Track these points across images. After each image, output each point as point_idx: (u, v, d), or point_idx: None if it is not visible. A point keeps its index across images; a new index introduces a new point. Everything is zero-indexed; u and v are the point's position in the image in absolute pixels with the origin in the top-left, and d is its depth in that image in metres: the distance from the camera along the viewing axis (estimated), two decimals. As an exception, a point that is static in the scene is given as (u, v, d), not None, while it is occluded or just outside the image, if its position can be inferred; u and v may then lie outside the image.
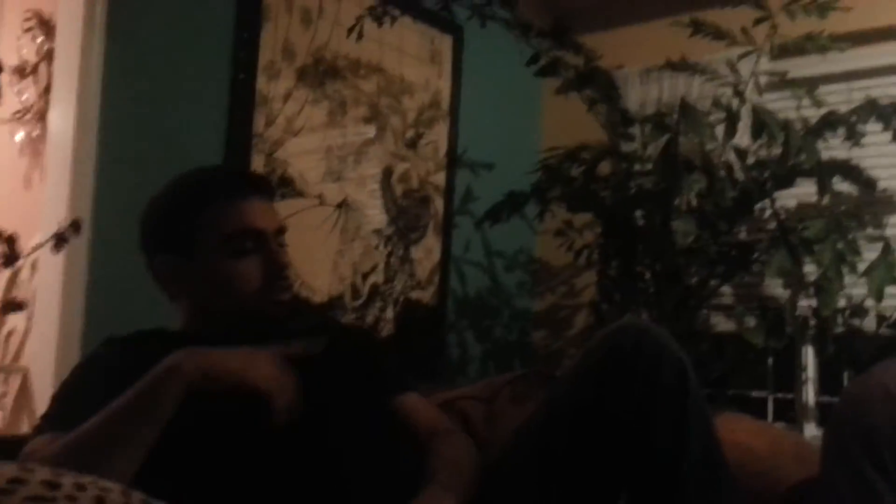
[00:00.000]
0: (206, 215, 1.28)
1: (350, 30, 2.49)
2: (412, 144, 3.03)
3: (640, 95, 3.17)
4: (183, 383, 1.09)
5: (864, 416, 1.20)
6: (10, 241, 1.74)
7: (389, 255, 2.93)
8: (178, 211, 1.31)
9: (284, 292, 1.30)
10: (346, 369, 1.34)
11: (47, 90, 2.76)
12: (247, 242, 1.28)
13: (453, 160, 3.17)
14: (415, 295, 3.01)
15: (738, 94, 2.53)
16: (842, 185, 2.49)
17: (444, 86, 3.16)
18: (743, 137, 2.50)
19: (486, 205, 2.76)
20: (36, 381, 2.19)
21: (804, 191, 2.54)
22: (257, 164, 2.48)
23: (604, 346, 1.21)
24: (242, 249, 1.27)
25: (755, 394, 2.93)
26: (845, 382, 2.45)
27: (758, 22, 2.44)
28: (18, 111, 2.97)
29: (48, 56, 2.83)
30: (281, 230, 1.33)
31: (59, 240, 1.85)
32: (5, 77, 2.99)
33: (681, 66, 2.71)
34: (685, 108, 2.44)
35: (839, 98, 2.78)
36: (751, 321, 2.55)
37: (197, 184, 1.36)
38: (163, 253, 1.30)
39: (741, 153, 2.46)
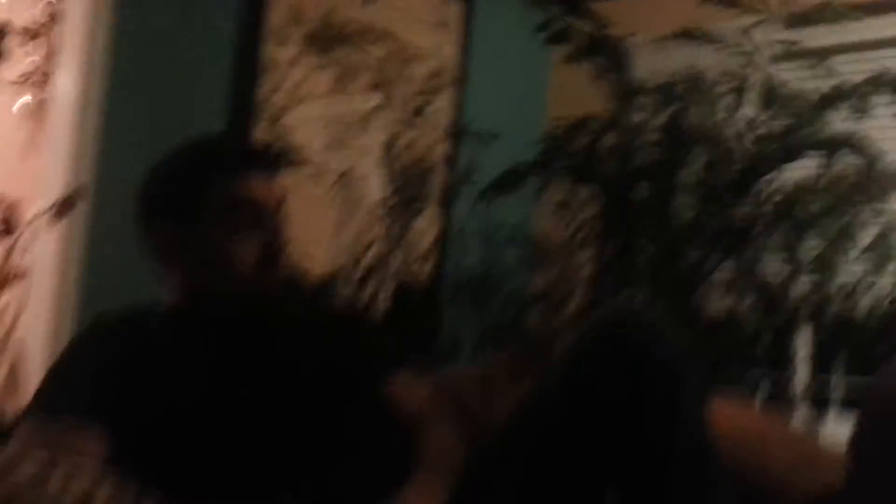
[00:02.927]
0: (210, 184, 1.27)
1: (360, -7, 2.46)
2: (418, 112, 3.00)
3: (650, 65, 3.11)
4: None
5: None
6: (10, 209, 1.74)
7: (390, 226, 2.91)
8: (182, 178, 1.30)
9: (279, 271, 1.30)
10: (337, 348, 1.34)
11: (54, 54, 2.75)
12: (247, 217, 1.27)
13: (459, 129, 3.14)
14: (413, 268, 3.00)
15: (750, 63, 2.49)
16: (848, 159, 2.45)
17: (452, 53, 3.12)
18: (752, 109, 2.46)
19: (490, 177, 2.74)
20: (30, 356, 2.20)
21: (809, 165, 2.51)
22: (260, 131, 2.47)
23: (594, 332, 1.21)
24: (242, 224, 1.26)
25: (749, 372, 2.91)
26: (840, 362, 2.43)
27: (772, -11, 2.39)
28: (25, 74, 2.96)
29: (55, 18, 2.81)
30: (282, 206, 1.32)
31: (61, 208, 1.85)
32: (14, 38, 2.97)
33: (693, 34, 2.66)
34: (693, 77, 2.41)
35: (854, 68, 2.73)
36: (748, 299, 2.54)
37: (204, 152, 1.35)
38: (161, 220, 1.30)
39: (750, 124, 2.43)
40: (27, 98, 2.99)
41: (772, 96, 2.33)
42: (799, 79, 2.68)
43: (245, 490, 1.11)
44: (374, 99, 2.84)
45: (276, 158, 1.37)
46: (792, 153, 2.35)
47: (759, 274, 2.46)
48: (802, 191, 2.33)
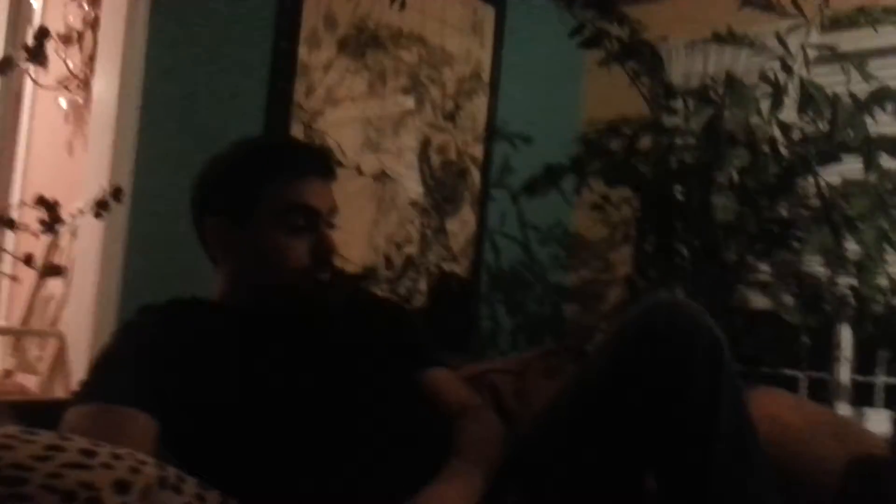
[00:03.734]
0: (269, 186, 1.29)
1: (392, -1, 2.47)
2: (451, 116, 3.01)
3: (684, 68, 3.11)
4: None
5: None
6: (52, 207, 1.77)
7: (424, 226, 2.93)
8: (241, 176, 1.31)
9: (327, 273, 1.31)
10: (376, 343, 1.35)
11: (92, 58, 2.79)
12: (301, 219, 1.28)
13: (492, 132, 3.15)
14: (448, 267, 3.01)
15: (786, 67, 2.47)
16: (889, 163, 2.43)
17: (486, 57, 3.13)
18: (789, 112, 2.44)
19: (523, 178, 2.75)
20: (72, 346, 2.24)
21: (849, 167, 2.49)
22: (296, 133, 2.49)
23: (637, 322, 1.20)
24: (295, 226, 1.28)
25: (788, 372, 2.90)
26: (881, 363, 2.40)
27: (809, -6, 2.38)
28: (64, 78, 3.00)
29: (94, 23, 2.85)
30: (334, 211, 1.34)
31: (100, 207, 1.87)
32: (52, 44, 3.02)
33: (727, 38, 2.65)
34: (731, 80, 2.39)
35: (890, 73, 2.70)
36: (788, 299, 2.52)
37: (265, 152, 1.36)
38: (215, 215, 1.31)
39: (786, 128, 2.41)
40: (66, 101, 3.04)
41: (809, 99, 2.31)
42: (835, 83, 2.66)
43: (287, 477, 1.12)
44: (408, 102, 2.86)
45: (332, 164, 1.38)
46: (830, 155, 2.33)
47: (799, 274, 2.44)
48: (841, 193, 2.31)
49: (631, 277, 2.73)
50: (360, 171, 2.69)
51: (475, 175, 3.10)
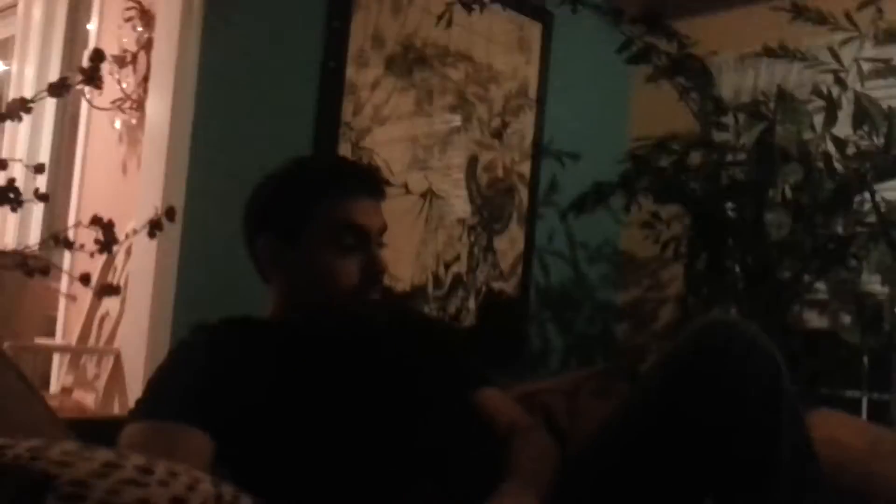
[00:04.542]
0: (319, 205, 1.29)
1: (439, 17, 2.48)
2: (498, 134, 3.01)
3: (734, 83, 3.07)
4: None
5: None
6: (108, 227, 1.80)
7: (473, 244, 2.92)
8: (294, 194, 1.32)
9: (377, 293, 1.31)
10: (426, 363, 1.34)
11: (146, 79, 2.84)
12: (351, 239, 1.29)
13: (539, 150, 3.14)
14: (497, 286, 3.00)
15: (839, 81, 2.43)
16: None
17: (532, 74, 3.13)
18: (843, 127, 2.40)
19: (571, 196, 2.73)
20: (128, 364, 2.27)
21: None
22: (344, 152, 2.51)
23: (692, 342, 1.18)
24: (347, 245, 1.28)
25: (849, 394, 2.83)
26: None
27: (862, 6, 2.33)
28: (118, 99, 3.07)
29: (147, 45, 2.91)
30: (384, 230, 1.34)
31: (154, 226, 1.90)
32: (106, 66, 3.09)
33: (779, 52, 2.61)
34: (782, 95, 2.36)
35: (947, 86, 2.64)
36: (846, 318, 2.46)
37: (316, 171, 1.38)
38: (267, 233, 1.32)
39: (841, 143, 2.37)
40: (121, 122, 3.10)
41: (863, 114, 2.26)
42: (891, 97, 2.60)
43: (339, 496, 1.11)
44: (455, 120, 2.87)
45: (381, 183, 1.39)
46: (886, 171, 2.28)
47: (858, 293, 2.39)
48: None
49: (683, 296, 2.69)
50: (407, 189, 2.70)
51: (523, 193, 3.09)
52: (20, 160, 3.02)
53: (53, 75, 3.76)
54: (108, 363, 2.43)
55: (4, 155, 3.44)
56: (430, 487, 1.16)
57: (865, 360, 2.76)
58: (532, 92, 3.12)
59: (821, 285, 2.60)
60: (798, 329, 2.55)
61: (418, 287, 2.73)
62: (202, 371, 1.17)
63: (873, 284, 2.58)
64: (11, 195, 1.67)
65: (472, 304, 2.90)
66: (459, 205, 2.88)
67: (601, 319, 3.39)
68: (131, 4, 3.00)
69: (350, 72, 2.55)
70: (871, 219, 2.32)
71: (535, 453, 1.26)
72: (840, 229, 2.36)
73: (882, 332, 2.36)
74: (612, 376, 1.63)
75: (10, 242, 3.65)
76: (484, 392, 1.38)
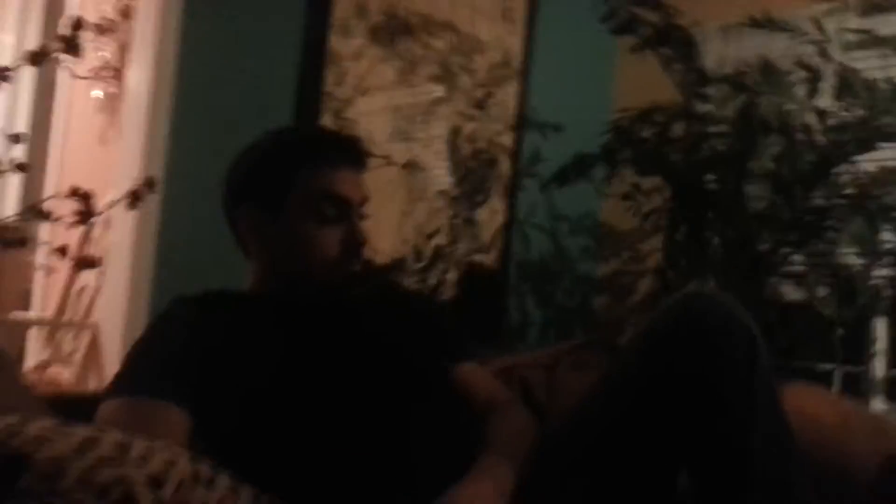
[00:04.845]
0: (300, 175, 1.29)
1: (423, -14, 2.45)
2: (481, 104, 3.00)
3: (718, 54, 3.06)
4: None
5: None
6: (86, 198, 1.78)
7: (454, 217, 2.92)
8: (274, 165, 1.32)
9: (357, 264, 1.31)
10: (405, 336, 1.35)
11: (125, 48, 2.81)
12: (333, 210, 1.29)
13: (522, 121, 3.13)
14: (478, 258, 3.00)
15: (823, 52, 2.43)
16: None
17: (516, 44, 3.11)
18: (825, 98, 2.40)
19: (554, 167, 2.73)
20: (106, 338, 2.26)
21: (886, 155, 2.44)
22: (326, 122, 2.50)
23: (670, 315, 1.19)
24: (328, 216, 1.28)
25: (822, 366, 2.85)
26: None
27: (846, -23, 2.33)
28: (97, 68, 3.03)
29: (127, 13, 2.88)
30: (365, 202, 1.34)
31: (134, 198, 1.89)
32: (86, 34, 3.04)
33: (763, 22, 2.60)
34: (766, 66, 2.35)
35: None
36: (822, 290, 2.48)
37: (298, 141, 1.37)
38: (247, 204, 1.32)
39: (823, 114, 2.37)
40: (100, 92, 3.07)
41: (845, 86, 2.27)
42: (872, 68, 2.60)
43: (318, 469, 1.12)
44: (438, 90, 2.85)
45: (363, 153, 1.38)
46: (867, 143, 2.28)
47: (834, 265, 2.41)
48: (877, 181, 2.26)
49: (661, 268, 2.70)
50: (389, 160, 2.69)
51: (505, 164, 3.08)
52: (-3, 130, 2.98)
53: (32, 43, 3.70)
54: (86, 337, 2.41)
55: (-19, 124, 3.40)
56: (409, 461, 1.16)
57: (840, 332, 2.79)
58: (516, 62, 3.10)
59: (798, 257, 2.62)
60: (774, 301, 2.57)
61: (399, 259, 2.73)
62: (181, 346, 1.17)
63: (849, 256, 2.60)
64: (-12, 166, 1.66)
65: (452, 276, 2.90)
66: (441, 176, 2.88)
67: (580, 292, 3.39)
68: (110, -29, 2.96)
69: (333, 41, 2.53)
70: (850, 190, 2.33)
71: (513, 428, 1.27)
72: (819, 201, 2.37)
73: (856, 305, 2.39)
74: (591, 350, 1.64)
75: (-14, 214, 3.61)
76: (463, 367, 1.39)
